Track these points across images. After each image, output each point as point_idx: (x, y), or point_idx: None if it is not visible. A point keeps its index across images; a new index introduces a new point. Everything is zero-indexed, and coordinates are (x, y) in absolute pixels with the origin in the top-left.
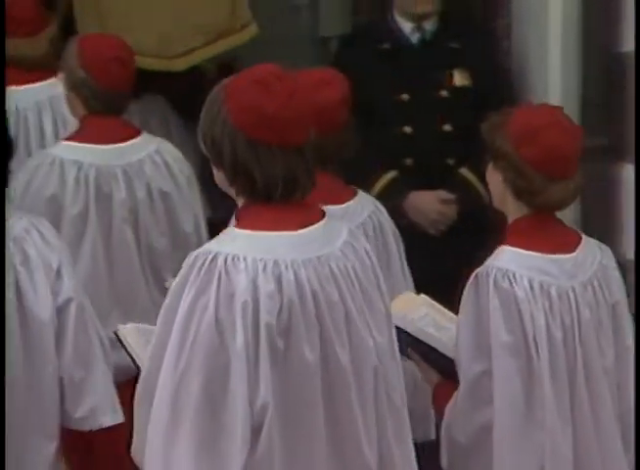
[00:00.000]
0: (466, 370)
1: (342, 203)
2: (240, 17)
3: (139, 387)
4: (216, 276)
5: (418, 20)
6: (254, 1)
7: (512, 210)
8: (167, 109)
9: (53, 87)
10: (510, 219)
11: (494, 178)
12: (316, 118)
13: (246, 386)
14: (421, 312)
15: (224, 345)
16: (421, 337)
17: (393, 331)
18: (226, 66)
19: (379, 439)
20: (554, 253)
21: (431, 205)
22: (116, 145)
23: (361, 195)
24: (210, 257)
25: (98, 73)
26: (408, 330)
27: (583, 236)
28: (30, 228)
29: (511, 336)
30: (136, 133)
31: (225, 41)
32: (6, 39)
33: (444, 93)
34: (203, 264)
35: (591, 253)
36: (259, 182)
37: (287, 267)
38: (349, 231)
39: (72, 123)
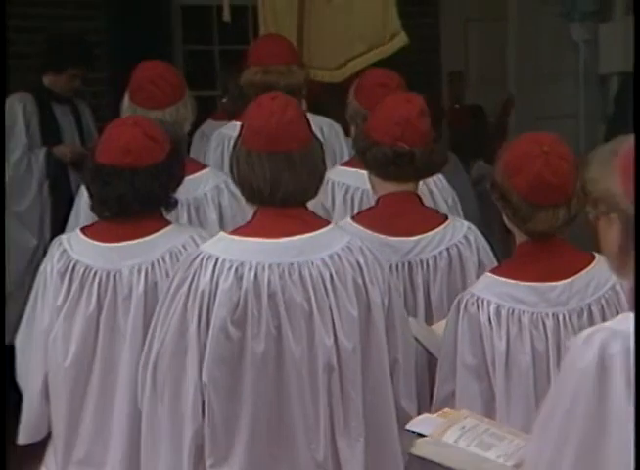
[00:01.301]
0: (438, 389)
1: (423, 232)
2: (390, 28)
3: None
4: (192, 273)
5: None
6: (535, 36)
7: (516, 237)
8: None
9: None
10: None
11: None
12: (400, 131)
13: (196, 363)
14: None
15: (186, 328)
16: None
17: (377, 335)
18: (505, 104)
19: (330, 431)
20: (539, 280)
21: None
22: None
23: (448, 226)
24: (194, 255)
25: (366, 101)
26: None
27: (597, 259)
28: (189, 243)
29: (474, 359)
30: None
31: (377, 51)
32: (265, 68)
33: None
34: (186, 261)
35: (601, 277)
36: (254, 186)
37: (250, 269)
38: (348, 246)
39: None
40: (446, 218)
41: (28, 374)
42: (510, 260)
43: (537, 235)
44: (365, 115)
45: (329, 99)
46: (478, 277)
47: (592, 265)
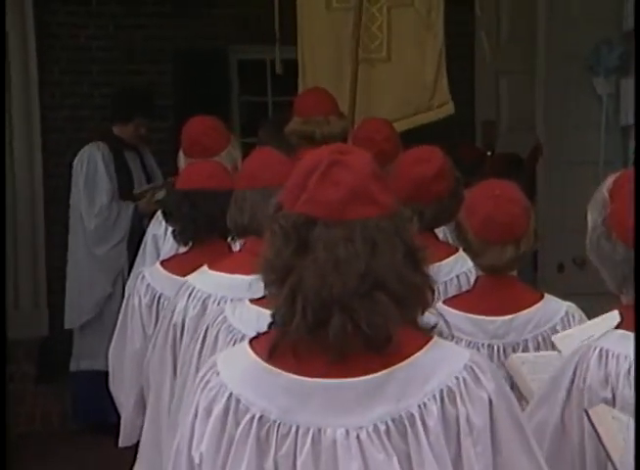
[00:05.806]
0: None
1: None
2: (439, 97)
3: None
4: (174, 300)
5: None
6: (561, 89)
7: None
8: None
9: None
10: None
11: None
12: (413, 190)
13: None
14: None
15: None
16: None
17: None
18: (534, 149)
19: None
20: (483, 313)
21: None
22: None
23: (459, 256)
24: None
25: None
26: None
27: (544, 300)
28: None
29: None
30: None
31: (421, 117)
32: (305, 119)
33: None
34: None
35: (543, 316)
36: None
37: (214, 300)
38: None
39: None
40: (457, 250)
41: (122, 388)
42: (464, 293)
43: (486, 269)
44: None
45: None
46: None
47: (537, 305)
